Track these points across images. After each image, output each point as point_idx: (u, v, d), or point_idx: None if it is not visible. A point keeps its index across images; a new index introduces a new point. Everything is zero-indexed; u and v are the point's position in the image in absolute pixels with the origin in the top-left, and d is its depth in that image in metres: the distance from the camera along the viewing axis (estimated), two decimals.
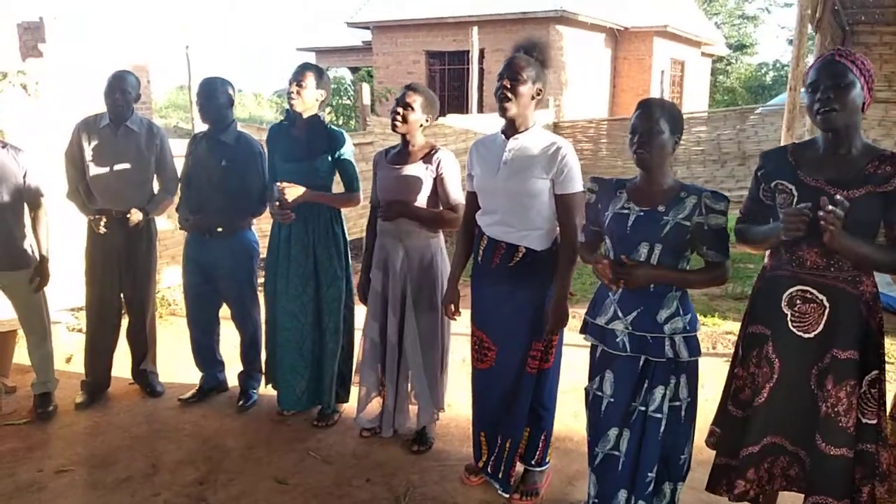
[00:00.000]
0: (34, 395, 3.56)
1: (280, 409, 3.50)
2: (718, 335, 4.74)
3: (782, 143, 5.01)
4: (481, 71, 9.82)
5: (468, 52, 9.37)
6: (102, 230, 3.41)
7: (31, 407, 3.55)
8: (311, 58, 19.70)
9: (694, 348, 2.25)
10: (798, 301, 2.10)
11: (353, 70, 17.79)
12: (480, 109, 9.56)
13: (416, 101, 2.97)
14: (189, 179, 3.57)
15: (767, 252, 2.28)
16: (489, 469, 2.83)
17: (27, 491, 2.87)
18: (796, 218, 1.93)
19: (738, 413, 2.27)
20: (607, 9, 15.20)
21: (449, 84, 15.26)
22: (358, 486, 2.91)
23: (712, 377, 3.99)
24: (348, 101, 12.35)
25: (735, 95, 25.03)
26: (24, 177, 3.32)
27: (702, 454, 2.99)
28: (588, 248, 2.45)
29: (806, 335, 2.09)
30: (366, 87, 6.96)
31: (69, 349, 4.35)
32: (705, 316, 5.09)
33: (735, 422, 2.27)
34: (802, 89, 2.16)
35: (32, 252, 3.41)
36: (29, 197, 3.36)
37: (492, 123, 9.08)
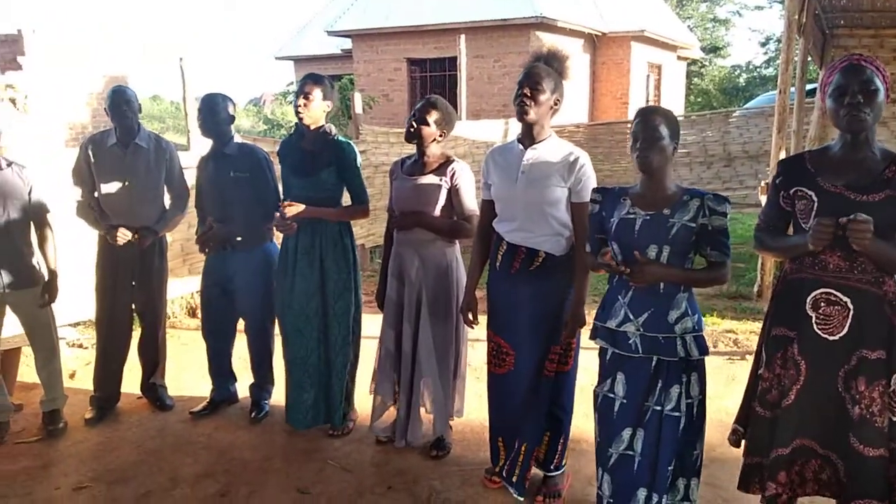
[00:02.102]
0: (43, 413, 3.52)
1: (291, 425, 3.47)
2: (718, 334, 4.83)
3: (773, 144, 5.14)
4: (465, 77, 9.87)
5: (450, 58, 9.44)
6: (122, 241, 3.40)
7: (41, 424, 3.51)
8: (290, 66, 19.65)
9: (703, 347, 2.31)
10: (822, 304, 2.15)
11: (334, 78, 17.75)
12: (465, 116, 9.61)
13: (433, 116, 3.00)
14: (203, 198, 3.59)
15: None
16: (504, 473, 2.85)
17: None
18: (826, 231, 1.99)
19: (767, 413, 2.31)
20: (585, 15, 15.38)
21: (430, 91, 15.29)
22: (381, 494, 2.93)
23: (715, 375, 4.07)
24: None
25: (710, 97, 25.39)
26: (30, 193, 3.30)
27: (714, 451, 3.06)
28: (593, 256, 2.50)
29: (831, 337, 2.14)
30: (357, 96, 6.98)
31: (72, 364, 4.31)
32: (704, 315, 5.15)
33: (763, 422, 2.32)
34: (792, 90, 2.22)
35: (39, 269, 3.38)
36: (34, 213, 3.34)
37: (481, 130, 9.14)
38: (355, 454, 3.26)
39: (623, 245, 2.31)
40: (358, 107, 6.76)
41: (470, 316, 2.91)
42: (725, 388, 3.89)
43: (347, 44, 16.40)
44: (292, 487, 2.98)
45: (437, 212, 3.04)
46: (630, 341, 2.30)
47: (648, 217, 2.27)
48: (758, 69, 27.18)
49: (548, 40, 14.27)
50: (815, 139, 6.72)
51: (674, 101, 19.22)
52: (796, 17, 5.04)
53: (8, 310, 3.38)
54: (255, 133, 14.69)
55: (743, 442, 2.43)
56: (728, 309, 5.40)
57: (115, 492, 2.97)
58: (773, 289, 2.43)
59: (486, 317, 2.85)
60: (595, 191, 2.46)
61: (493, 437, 2.91)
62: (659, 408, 2.30)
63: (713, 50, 27.85)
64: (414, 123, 3.00)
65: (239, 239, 3.49)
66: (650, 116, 2.25)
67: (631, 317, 2.30)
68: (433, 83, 15.19)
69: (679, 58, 19.66)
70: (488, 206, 2.77)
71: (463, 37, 8.90)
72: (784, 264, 2.35)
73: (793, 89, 5.69)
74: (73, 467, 3.18)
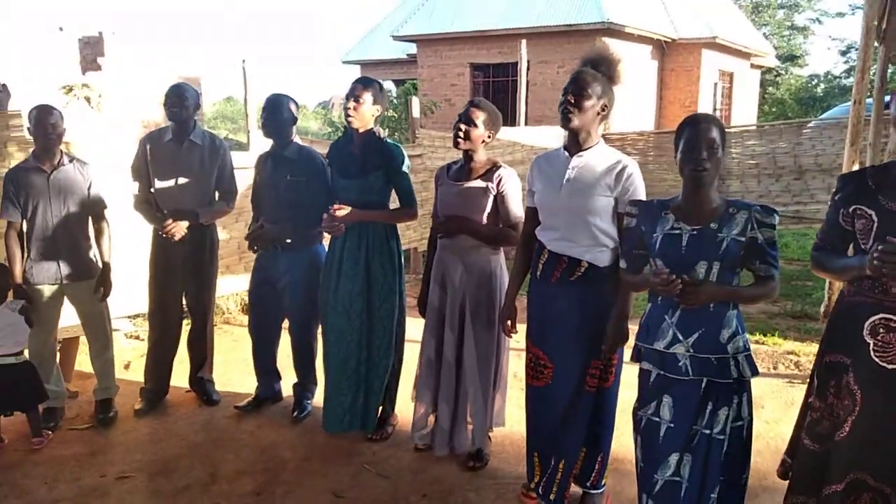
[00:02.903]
0: (95, 401, 3.64)
1: (324, 428, 3.45)
2: (779, 355, 4.60)
3: (845, 157, 4.87)
4: (526, 83, 9.79)
5: (513, 64, 9.38)
6: (178, 236, 3.47)
7: (93, 412, 3.63)
8: (357, 70, 19.97)
9: (753, 367, 2.21)
10: (881, 330, 2.00)
11: (398, 83, 17.94)
12: (526, 122, 9.53)
13: (480, 117, 2.96)
14: (259, 197, 3.64)
15: None
16: (540, 490, 2.77)
17: (91, 496, 2.92)
18: (889, 258, 1.83)
19: (815, 447, 2.17)
20: (655, 20, 15.05)
21: (493, 96, 15.25)
22: (414, 502, 2.89)
23: (774, 399, 3.88)
24: (394, 114, 12.44)
25: (785, 107, 24.49)
26: (89, 188, 3.42)
27: (766, 479, 2.91)
28: (631, 273, 2.40)
29: (890, 366, 1.99)
30: (415, 100, 6.99)
31: (127, 356, 4.44)
32: (765, 335, 4.95)
33: (812, 456, 2.18)
34: (869, 101, 2.07)
35: (96, 261, 3.49)
36: (93, 208, 3.45)
37: (540, 136, 9.04)
38: (392, 460, 3.23)
39: (669, 262, 2.20)
40: (415, 111, 6.76)
41: (508, 324, 2.85)
42: (784, 413, 3.69)
43: (413, 48, 16.53)
44: (327, 490, 2.98)
45: (483, 218, 2.99)
46: (680, 363, 2.19)
47: (695, 232, 2.15)
48: (837, 79, 26.08)
49: (615, 46, 13.99)
50: (895, 153, 6.35)
51: (746, 110, 18.63)
52: (875, 23, 4.76)
53: (66, 300, 3.51)
54: (320, 136, 14.96)
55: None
56: (791, 329, 5.15)
57: (156, 483, 3.04)
58: (829, 312, 2.28)
59: (525, 326, 2.78)
60: (632, 203, 2.36)
61: (529, 451, 2.83)
62: (707, 431, 2.19)
63: (790, 58, 26.88)
64: (462, 126, 2.95)
65: (289, 241, 3.52)
66: (707, 125, 2.12)
67: (680, 338, 2.19)
68: (496, 88, 15.14)
69: (753, 66, 19.04)
70: (532, 214, 2.70)
71: (524, 42, 8.83)
72: (842, 286, 2.21)
73: (870, 100, 5.39)
74: (120, 456, 3.27)
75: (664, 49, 15.75)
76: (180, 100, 3.51)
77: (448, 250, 3.07)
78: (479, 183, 2.98)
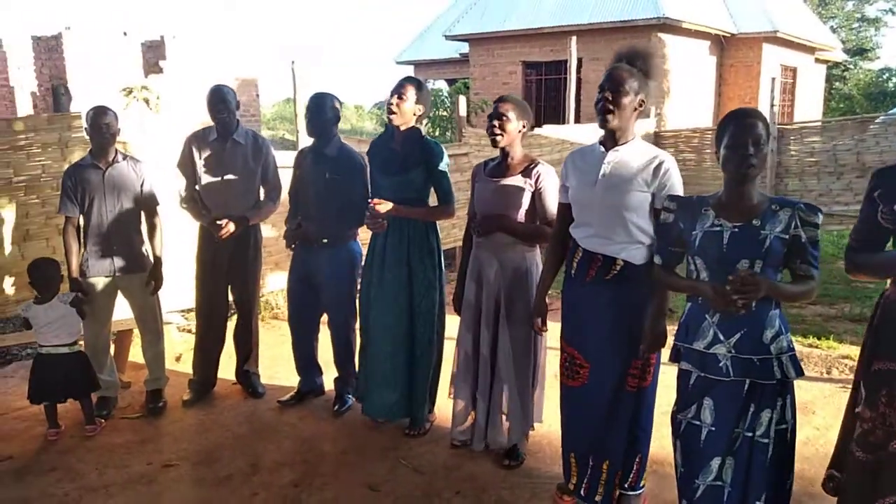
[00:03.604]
0: (146, 392, 3.78)
1: (365, 414, 3.52)
2: (833, 359, 4.42)
3: None
4: (578, 80, 9.68)
5: (565, 61, 9.27)
6: (226, 235, 3.57)
7: (143, 402, 3.77)
8: (410, 70, 20.11)
9: (798, 367, 2.15)
10: None
11: (450, 82, 17.99)
12: (577, 119, 9.42)
13: (509, 110, 2.94)
14: (297, 193, 3.71)
15: (890, 279, 2.10)
16: (583, 492, 2.73)
17: (138, 483, 3.03)
18: None
19: (868, 457, 2.07)
20: (713, 15, 14.66)
21: (545, 94, 15.16)
22: (448, 499, 2.90)
23: (826, 405, 3.74)
24: (445, 113, 12.49)
25: (853, 103, 23.52)
26: (142, 185, 3.55)
27: (813, 487, 2.80)
28: (666, 270, 2.34)
29: None
30: (462, 99, 7.00)
31: (179, 348, 4.59)
32: (819, 338, 4.77)
33: (864, 466, 2.08)
34: None
35: (148, 256, 3.62)
36: (146, 204, 3.59)
37: (589, 133, 8.92)
38: (428, 455, 3.25)
39: (709, 260, 2.15)
40: (462, 110, 6.77)
41: (539, 322, 2.82)
42: (836, 419, 3.52)
43: (465, 48, 16.54)
44: (363, 483, 3.02)
45: (521, 215, 2.98)
46: (721, 364, 2.14)
47: (737, 229, 2.10)
48: None
49: (671, 42, 13.75)
50: None
51: (810, 106, 17.96)
52: None
53: (120, 294, 3.65)
54: (373, 136, 15.16)
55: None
56: (848, 332, 4.94)
57: (199, 472, 3.13)
58: (871, 317, 2.17)
59: (559, 325, 2.75)
60: (670, 199, 2.31)
61: (565, 451, 2.80)
62: (750, 434, 2.14)
63: (859, 52, 25.79)
64: (495, 123, 2.94)
65: (325, 241, 3.58)
66: (754, 120, 2.07)
67: (721, 338, 2.14)
68: (548, 86, 15.03)
69: (818, 60, 18.34)
70: (566, 210, 2.67)
71: (574, 39, 8.72)
72: (887, 285, 2.10)
73: None
74: (167, 445, 3.38)
75: (723, 44, 15.33)
76: (223, 102, 3.61)
77: (483, 247, 3.07)
78: (516, 179, 2.97)
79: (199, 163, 3.67)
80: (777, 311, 2.13)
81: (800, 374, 2.13)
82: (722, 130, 2.12)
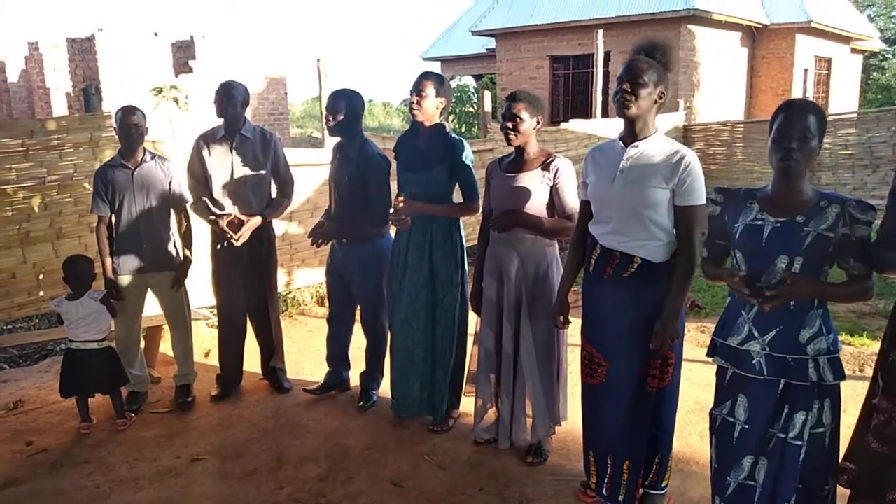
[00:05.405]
0: (175, 386, 3.85)
1: (393, 411, 3.56)
2: (866, 357, 4.33)
3: None
4: (606, 74, 9.55)
5: (593, 55, 9.17)
6: (240, 242, 3.61)
7: (173, 397, 3.84)
8: (437, 66, 20.11)
9: (838, 371, 2.08)
10: None
11: (477, 77, 17.94)
12: (605, 114, 9.32)
13: (522, 110, 2.90)
14: (329, 189, 3.76)
15: None
16: (605, 491, 2.71)
17: (167, 476, 3.09)
18: None
19: (883, 449, 2.04)
20: (745, 5, 14.39)
21: (573, 88, 15.04)
22: (471, 495, 2.90)
23: (859, 403, 3.61)
24: (471, 109, 12.47)
25: (891, 94, 22.87)
26: (170, 184, 3.60)
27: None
28: (713, 264, 2.31)
29: None
30: (487, 94, 6.97)
31: (207, 345, 4.66)
32: (852, 335, 4.67)
33: (878, 458, 2.05)
34: None
35: (177, 253, 3.68)
36: (174, 202, 3.64)
37: (616, 128, 8.82)
38: (452, 452, 3.26)
39: (749, 254, 2.11)
40: (487, 105, 6.75)
41: (560, 319, 2.81)
42: None
43: (492, 43, 16.48)
44: (386, 479, 3.03)
45: (540, 210, 2.96)
46: (754, 361, 2.11)
47: (779, 224, 2.06)
48: None
49: (701, 34, 13.53)
50: None
51: (846, 97, 17.55)
52: None
53: (149, 291, 3.72)
54: (401, 133, 15.20)
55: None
56: (881, 329, 4.81)
57: (226, 466, 3.18)
58: (893, 307, 2.12)
59: (580, 322, 2.73)
60: (717, 191, 2.27)
61: (585, 449, 2.78)
62: (784, 435, 2.10)
63: None
64: (509, 124, 2.91)
65: (345, 241, 3.60)
66: (801, 112, 2.01)
67: (756, 334, 2.11)
68: (575, 80, 14.90)
69: (854, 50, 17.91)
70: (586, 207, 2.65)
71: (601, 32, 8.62)
72: None
73: None
74: (195, 439, 3.44)
75: (755, 35, 15.05)
76: (228, 97, 3.63)
77: (502, 243, 3.05)
78: (535, 174, 2.95)
79: (209, 160, 3.69)
80: (819, 311, 2.07)
81: (840, 377, 2.07)
82: (773, 120, 2.08)
